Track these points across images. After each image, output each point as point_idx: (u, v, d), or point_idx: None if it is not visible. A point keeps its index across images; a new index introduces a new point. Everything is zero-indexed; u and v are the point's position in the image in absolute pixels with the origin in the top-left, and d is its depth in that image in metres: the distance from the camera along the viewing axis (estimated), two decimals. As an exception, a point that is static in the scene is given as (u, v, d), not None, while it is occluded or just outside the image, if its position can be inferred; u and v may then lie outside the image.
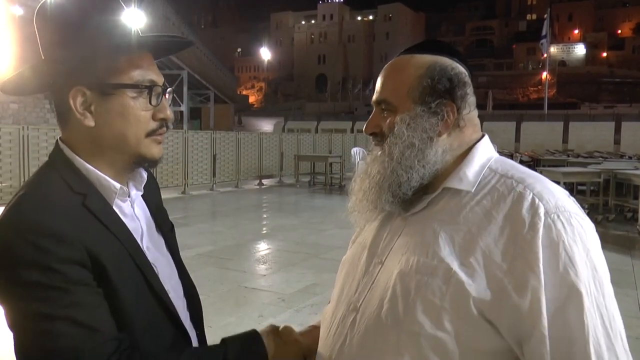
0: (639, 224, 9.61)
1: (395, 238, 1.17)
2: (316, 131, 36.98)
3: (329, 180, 17.25)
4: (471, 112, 1.21)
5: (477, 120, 1.24)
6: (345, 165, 18.28)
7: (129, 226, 1.17)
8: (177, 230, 1.42)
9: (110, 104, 1.12)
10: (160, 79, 1.17)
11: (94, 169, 1.15)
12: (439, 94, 1.15)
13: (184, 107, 39.21)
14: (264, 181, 17.57)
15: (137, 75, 1.13)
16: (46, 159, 1.15)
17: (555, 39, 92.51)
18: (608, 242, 9.06)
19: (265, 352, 1.21)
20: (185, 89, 38.48)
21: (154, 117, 1.16)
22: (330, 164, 17.38)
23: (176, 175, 14.35)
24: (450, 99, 1.15)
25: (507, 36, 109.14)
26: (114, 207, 1.16)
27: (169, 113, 1.18)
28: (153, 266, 1.19)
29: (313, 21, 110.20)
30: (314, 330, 1.38)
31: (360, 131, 33.90)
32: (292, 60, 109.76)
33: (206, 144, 15.43)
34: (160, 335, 1.16)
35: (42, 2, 1.14)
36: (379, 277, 1.15)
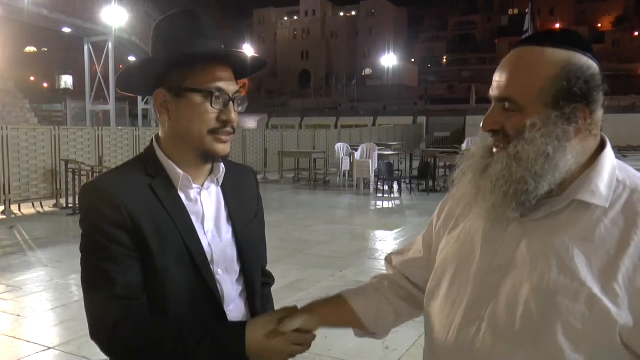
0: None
1: (515, 245, 1.11)
2: (300, 127, 37.01)
3: (313, 176, 17.24)
4: (600, 114, 1.13)
5: (600, 122, 1.15)
6: (330, 161, 18.29)
7: (190, 209, 1.39)
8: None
9: (181, 104, 1.35)
10: (230, 88, 1.37)
11: (166, 158, 1.40)
12: (575, 99, 1.07)
13: (167, 105, 39.00)
14: (249, 178, 17.49)
15: (207, 82, 1.34)
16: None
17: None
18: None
19: (243, 342, 1.27)
20: (167, 86, 38.25)
21: (217, 118, 1.36)
22: (315, 160, 17.37)
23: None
24: (585, 103, 1.08)
25: (490, 31, 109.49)
26: (180, 192, 1.39)
27: (233, 117, 1.37)
28: (208, 246, 1.39)
29: (296, 17, 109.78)
30: (309, 317, 1.36)
31: (344, 127, 33.94)
32: (276, 57, 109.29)
33: (190, 142, 15.35)
34: (194, 308, 1.35)
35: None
36: (503, 287, 1.09)
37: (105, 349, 1.30)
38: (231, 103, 1.37)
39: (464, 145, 17.73)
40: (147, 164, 1.39)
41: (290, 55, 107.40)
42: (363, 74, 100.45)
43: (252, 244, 1.52)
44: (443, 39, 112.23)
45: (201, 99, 1.33)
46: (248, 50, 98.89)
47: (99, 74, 27.93)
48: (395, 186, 14.60)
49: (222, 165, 1.46)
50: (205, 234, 1.40)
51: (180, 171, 1.38)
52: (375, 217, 11.51)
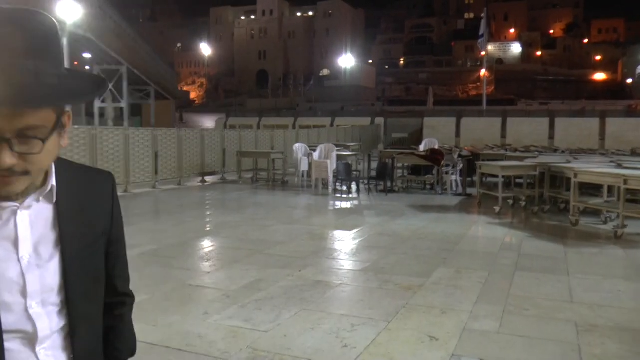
0: (570, 214, 9.99)
1: None
2: (258, 127, 36.84)
3: (271, 177, 17.21)
4: None
5: None
6: (288, 161, 18.28)
7: None
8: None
9: None
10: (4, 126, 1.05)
11: None
12: None
13: (124, 104, 38.37)
14: (207, 178, 17.38)
15: None
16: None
17: (493, 38, 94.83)
18: (544, 232, 9.43)
19: None
20: (125, 84, 37.61)
21: None
22: (273, 160, 17.35)
23: (117, 174, 14.03)
24: None
25: (446, 34, 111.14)
26: None
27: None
28: (20, 275, 1.17)
29: (253, 17, 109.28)
30: None
31: (302, 127, 33.92)
32: (233, 56, 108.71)
33: (147, 142, 15.14)
34: None
35: None
36: None
37: None
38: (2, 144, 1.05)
39: (421, 147, 18.00)
40: None
41: (247, 55, 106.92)
42: (321, 74, 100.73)
43: (88, 268, 1.30)
44: (400, 41, 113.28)
45: None
46: (205, 49, 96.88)
47: (52, 71, 27.29)
48: (354, 187, 14.69)
49: (52, 181, 1.22)
50: (19, 260, 1.17)
51: None
52: (334, 217, 11.56)
